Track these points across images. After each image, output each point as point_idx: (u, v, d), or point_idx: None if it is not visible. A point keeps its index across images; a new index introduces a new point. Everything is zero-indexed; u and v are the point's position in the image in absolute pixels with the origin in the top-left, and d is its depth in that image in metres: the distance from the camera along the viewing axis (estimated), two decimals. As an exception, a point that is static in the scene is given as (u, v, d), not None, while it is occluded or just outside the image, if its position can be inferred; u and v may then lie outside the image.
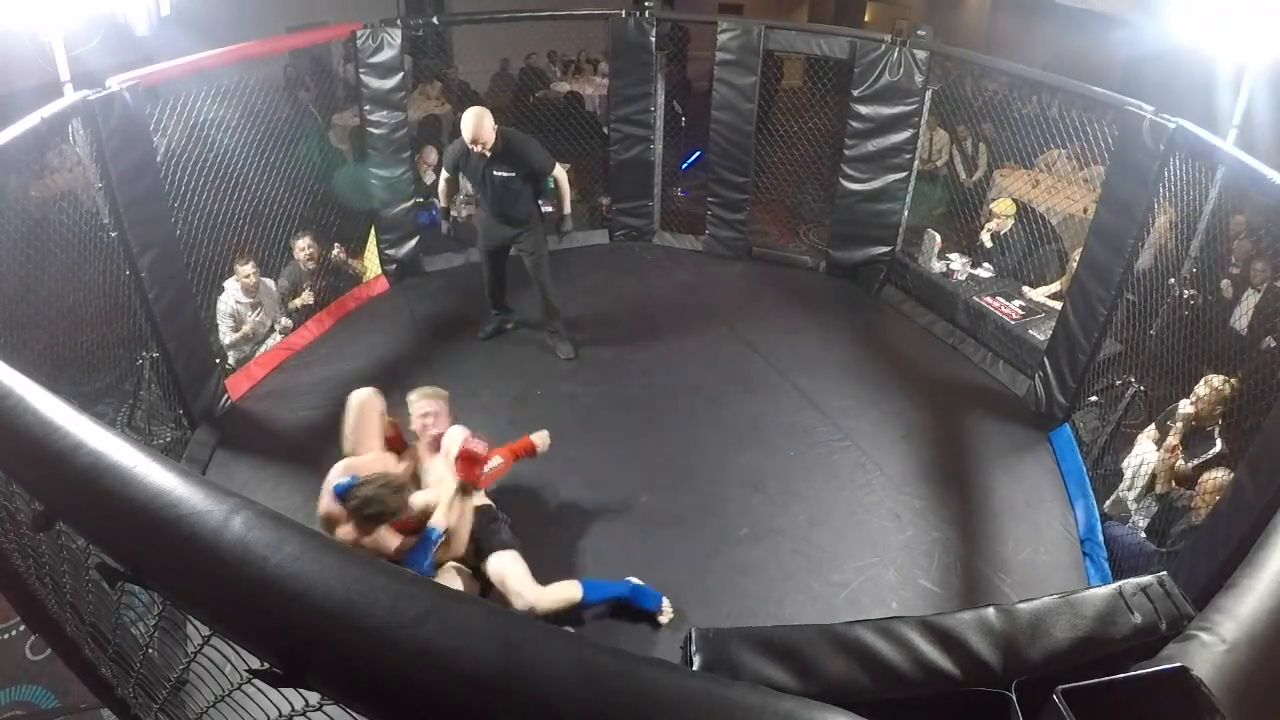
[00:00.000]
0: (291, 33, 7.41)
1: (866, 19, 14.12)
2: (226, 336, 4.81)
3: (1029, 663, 1.04)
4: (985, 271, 5.85)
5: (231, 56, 4.58)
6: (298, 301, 5.29)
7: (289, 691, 0.83)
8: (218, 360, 4.73)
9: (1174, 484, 3.68)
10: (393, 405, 4.72)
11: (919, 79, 5.49)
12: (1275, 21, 4.14)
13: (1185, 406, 3.69)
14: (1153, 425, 3.97)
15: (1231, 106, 4.54)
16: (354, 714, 0.79)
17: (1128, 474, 3.94)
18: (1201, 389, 3.64)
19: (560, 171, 4.84)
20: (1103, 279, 4.31)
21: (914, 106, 5.59)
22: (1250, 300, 4.93)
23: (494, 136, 4.44)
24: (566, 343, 5.26)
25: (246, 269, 4.75)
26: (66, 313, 4.02)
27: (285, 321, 5.17)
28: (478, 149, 4.42)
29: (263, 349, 5.06)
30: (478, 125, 4.37)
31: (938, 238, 5.93)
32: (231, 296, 4.80)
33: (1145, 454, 3.88)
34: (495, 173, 4.63)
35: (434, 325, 5.65)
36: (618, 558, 3.74)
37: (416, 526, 3.08)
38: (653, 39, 6.12)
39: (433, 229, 6.41)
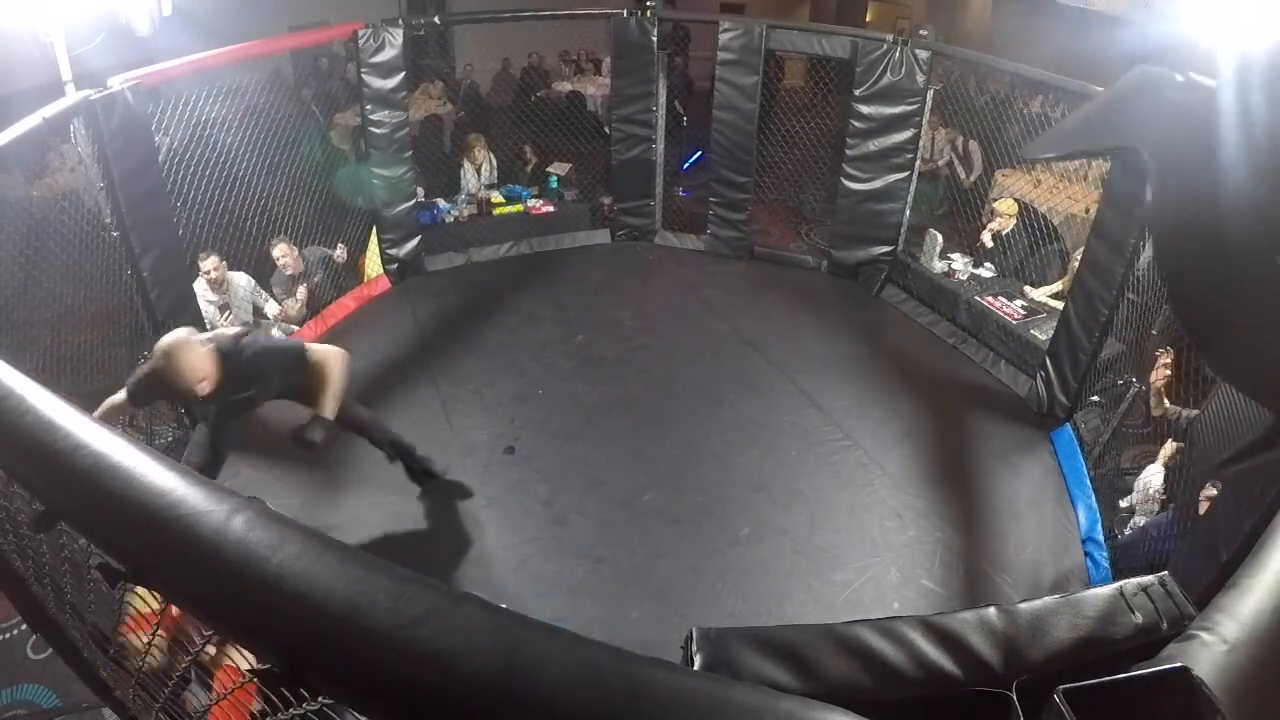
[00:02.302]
0: (294, 32, 7.41)
1: (868, 18, 14.10)
2: None
3: (1030, 662, 1.04)
4: (987, 271, 5.84)
5: (233, 56, 4.59)
6: (291, 304, 5.26)
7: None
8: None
9: (1167, 404, 3.79)
10: (394, 401, 4.74)
11: (920, 78, 5.49)
12: (1277, 20, 4.13)
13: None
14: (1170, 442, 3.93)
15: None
16: (355, 714, 0.79)
17: (1138, 490, 3.89)
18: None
19: (325, 353, 3.27)
20: (1105, 279, 4.30)
21: (915, 106, 5.59)
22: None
23: (210, 363, 2.96)
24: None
25: (209, 263, 4.66)
26: (68, 312, 4.03)
27: (270, 305, 5.14)
28: (203, 388, 2.96)
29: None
30: (186, 364, 2.88)
31: (939, 237, 5.92)
32: (201, 298, 4.72)
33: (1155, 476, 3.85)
34: (233, 397, 3.25)
35: (436, 325, 5.66)
36: (619, 557, 3.75)
37: None
38: (654, 39, 6.12)
39: (434, 228, 6.43)
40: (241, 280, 5.01)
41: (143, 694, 1.61)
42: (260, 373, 3.22)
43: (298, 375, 3.27)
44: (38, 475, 0.91)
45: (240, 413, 3.51)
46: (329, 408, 3.23)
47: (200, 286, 4.71)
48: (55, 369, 3.83)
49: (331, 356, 3.27)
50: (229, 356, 3.07)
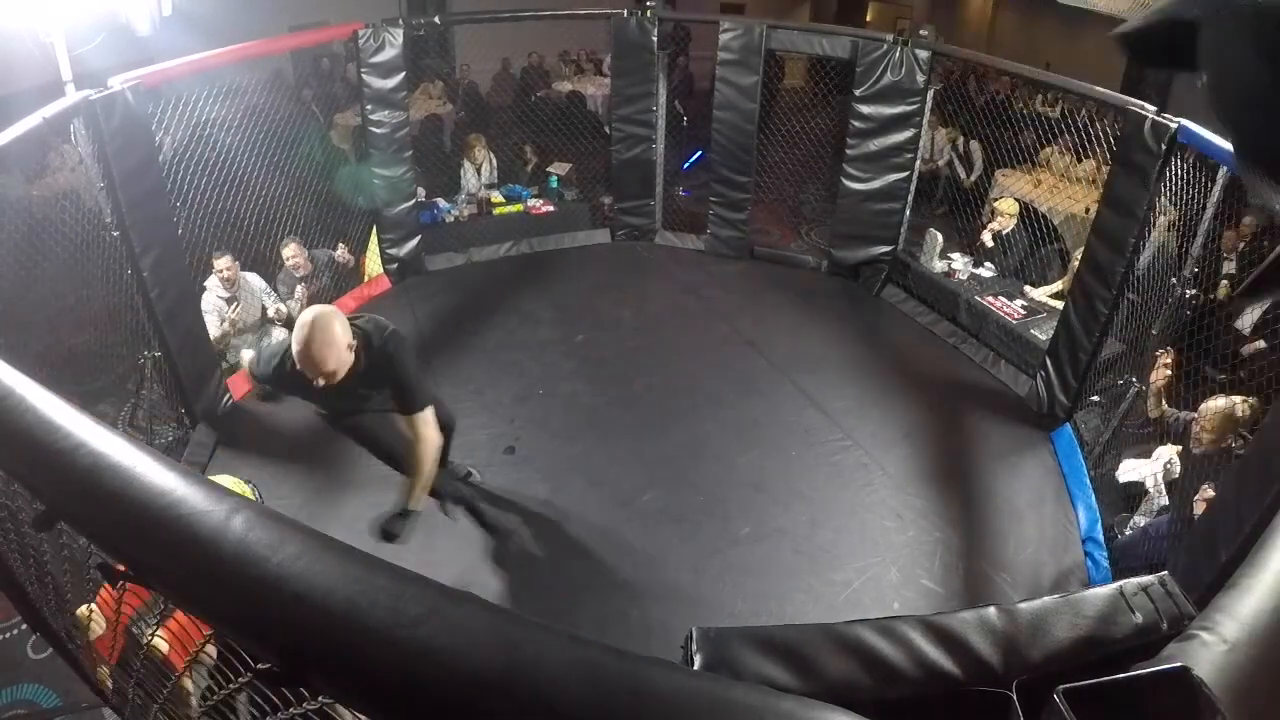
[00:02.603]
0: (294, 32, 7.41)
1: (868, 18, 14.11)
2: (212, 333, 4.82)
3: (1030, 662, 1.03)
4: (987, 271, 5.85)
5: (233, 56, 4.59)
6: (292, 305, 5.26)
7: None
8: (219, 359, 4.74)
9: (1165, 406, 3.77)
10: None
11: (921, 78, 5.49)
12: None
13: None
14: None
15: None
16: (355, 713, 0.79)
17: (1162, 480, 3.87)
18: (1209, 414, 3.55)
19: (426, 422, 2.96)
20: (1104, 278, 4.31)
21: (916, 106, 5.59)
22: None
23: (346, 359, 2.68)
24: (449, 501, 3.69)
25: (223, 262, 4.75)
26: (68, 312, 4.03)
27: (281, 307, 5.16)
28: (331, 376, 2.67)
29: (264, 342, 5.06)
30: (320, 349, 2.59)
31: (939, 237, 5.92)
32: (212, 293, 4.80)
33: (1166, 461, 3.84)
34: (358, 391, 2.95)
35: (436, 324, 5.66)
36: (619, 557, 3.75)
37: None
38: (654, 39, 6.12)
39: (434, 228, 6.43)
40: (255, 281, 5.08)
41: (140, 693, 1.61)
42: (385, 371, 2.88)
43: (399, 411, 2.99)
44: (38, 475, 0.91)
45: (351, 419, 3.21)
46: (418, 499, 2.98)
47: (212, 283, 4.80)
48: (56, 368, 3.83)
49: (431, 441, 2.97)
50: (370, 341, 2.81)
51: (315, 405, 3.17)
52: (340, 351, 2.63)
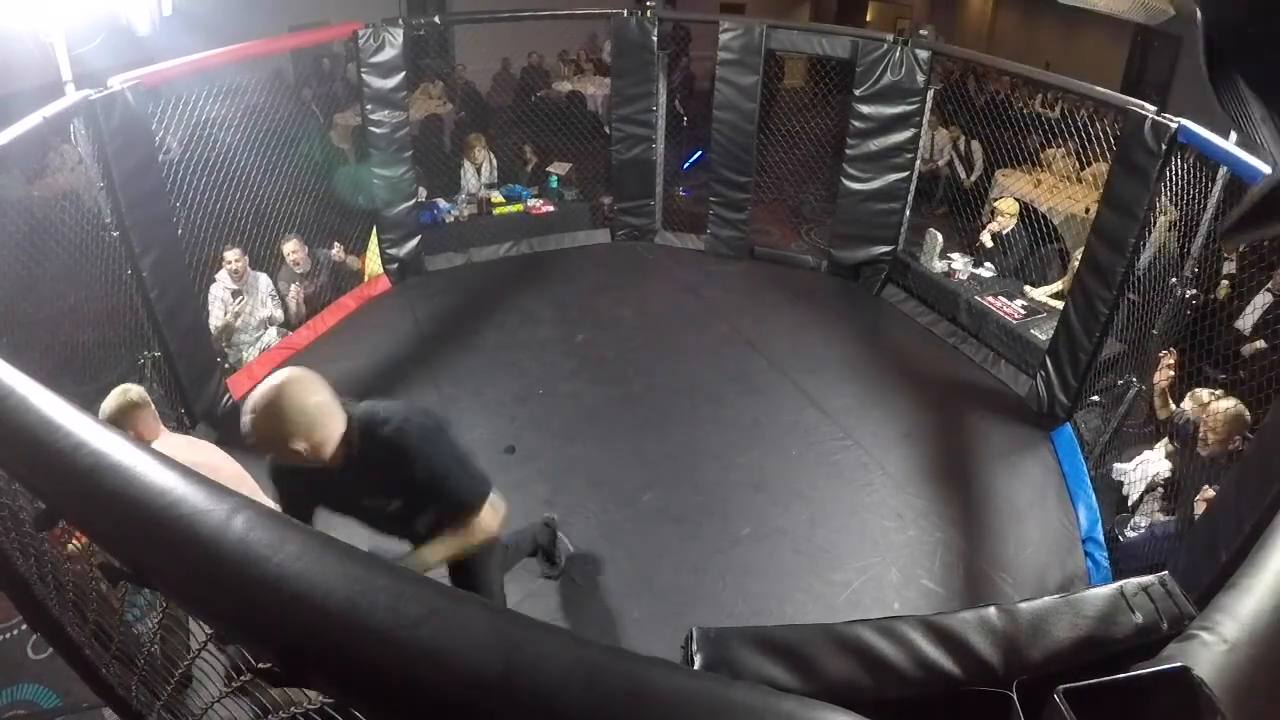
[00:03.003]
0: (294, 32, 7.41)
1: (868, 18, 14.11)
2: (214, 323, 4.85)
3: (1030, 662, 1.03)
4: (987, 271, 5.84)
5: (233, 56, 4.59)
6: (278, 313, 5.26)
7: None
8: (219, 359, 4.75)
9: (1173, 407, 3.77)
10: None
11: (921, 78, 5.49)
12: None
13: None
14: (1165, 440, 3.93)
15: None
16: (355, 713, 0.79)
17: (1139, 483, 3.89)
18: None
19: (486, 516, 2.22)
20: (1105, 278, 4.31)
21: (916, 106, 5.58)
22: (1262, 300, 4.90)
23: (332, 425, 2.01)
24: None
25: (232, 254, 4.80)
26: (68, 312, 4.03)
27: (277, 314, 5.17)
28: (298, 451, 1.98)
29: (262, 342, 5.07)
30: (295, 407, 1.94)
31: (939, 237, 5.92)
32: (220, 284, 4.87)
33: (1154, 461, 3.86)
34: (362, 501, 2.26)
35: (436, 324, 5.65)
36: (619, 557, 3.75)
37: None
38: (654, 38, 6.12)
39: (434, 228, 6.43)
40: (263, 283, 5.11)
41: (144, 690, 1.61)
42: (391, 466, 2.09)
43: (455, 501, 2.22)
44: (39, 474, 0.91)
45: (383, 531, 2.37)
46: (437, 556, 2.21)
47: (221, 274, 4.85)
48: (57, 368, 3.83)
49: (487, 529, 2.24)
50: (364, 424, 2.07)
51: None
52: (321, 403, 1.99)
